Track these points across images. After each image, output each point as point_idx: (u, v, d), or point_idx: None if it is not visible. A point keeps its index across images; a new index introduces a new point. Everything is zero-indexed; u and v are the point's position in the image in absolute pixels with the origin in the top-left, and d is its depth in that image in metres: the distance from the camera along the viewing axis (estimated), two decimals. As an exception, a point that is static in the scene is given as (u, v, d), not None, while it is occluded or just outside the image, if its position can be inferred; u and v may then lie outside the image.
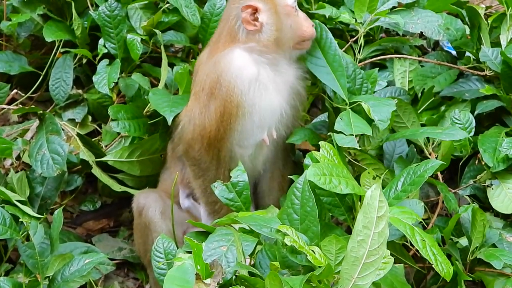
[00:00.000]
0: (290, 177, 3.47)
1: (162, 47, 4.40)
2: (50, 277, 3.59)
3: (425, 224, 3.84)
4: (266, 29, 3.72)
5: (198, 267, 2.74)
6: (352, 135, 3.57)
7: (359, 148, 3.66)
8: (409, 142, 4.12)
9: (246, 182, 3.51)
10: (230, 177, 3.54)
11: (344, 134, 3.59)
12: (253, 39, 3.73)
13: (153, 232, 3.93)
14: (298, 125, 4.06)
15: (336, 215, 3.38)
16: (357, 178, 3.52)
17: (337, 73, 3.84)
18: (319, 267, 2.76)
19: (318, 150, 3.38)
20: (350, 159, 3.93)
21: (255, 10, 3.69)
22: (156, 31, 4.44)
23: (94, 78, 4.39)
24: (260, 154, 3.96)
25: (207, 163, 3.82)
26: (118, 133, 4.50)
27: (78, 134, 4.31)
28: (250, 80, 3.71)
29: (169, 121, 3.93)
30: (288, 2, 3.74)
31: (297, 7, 3.78)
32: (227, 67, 3.69)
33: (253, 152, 3.91)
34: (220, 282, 2.78)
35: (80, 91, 4.81)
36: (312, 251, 2.82)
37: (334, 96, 3.94)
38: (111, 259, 4.22)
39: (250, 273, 2.92)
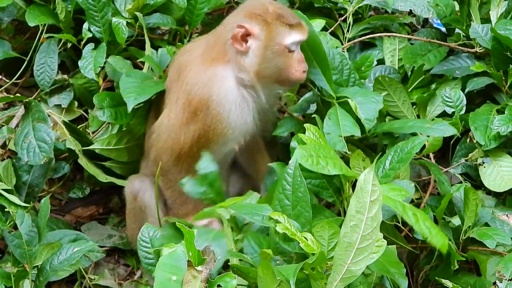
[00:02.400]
0: (270, 164, 3.50)
1: (145, 30, 4.32)
2: (39, 266, 3.55)
3: (418, 204, 3.81)
4: (251, 57, 3.62)
5: (190, 254, 2.69)
6: (341, 136, 3.51)
7: (348, 152, 3.56)
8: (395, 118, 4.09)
9: (215, 172, 3.41)
10: None
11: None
12: (240, 60, 3.63)
13: (149, 216, 3.89)
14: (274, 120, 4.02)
15: (325, 197, 3.35)
16: (346, 162, 3.48)
17: (323, 66, 3.73)
18: (312, 254, 2.73)
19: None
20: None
21: (248, 34, 3.58)
22: (138, 14, 4.35)
23: (80, 63, 4.32)
24: (228, 156, 3.96)
25: (174, 174, 3.76)
26: (106, 119, 4.43)
27: (64, 122, 4.24)
28: (235, 109, 3.65)
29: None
30: (285, 41, 3.56)
31: (297, 49, 3.61)
32: (217, 96, 3.62)
33: (222, 157, 3.87)
34: (213, 269, 2.74)
35: (65, 76, 4.72)
36: (305, 238, 2.78)
37: (322, 88, 3.86)
38: (101, 247, 4.18)
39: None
